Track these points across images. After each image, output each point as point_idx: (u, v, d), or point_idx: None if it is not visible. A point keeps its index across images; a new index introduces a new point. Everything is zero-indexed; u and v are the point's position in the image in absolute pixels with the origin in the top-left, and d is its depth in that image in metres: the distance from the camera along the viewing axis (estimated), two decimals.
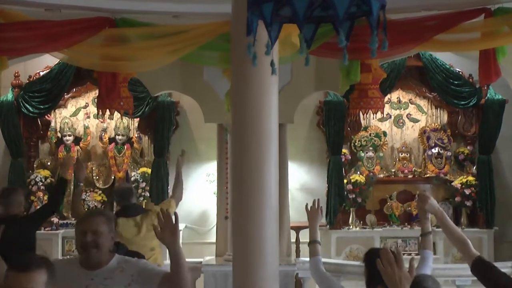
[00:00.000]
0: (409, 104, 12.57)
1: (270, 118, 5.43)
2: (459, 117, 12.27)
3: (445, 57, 11.74)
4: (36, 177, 11.51)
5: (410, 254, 11.74)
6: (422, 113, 12.56)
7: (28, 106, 11.49)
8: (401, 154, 12.45)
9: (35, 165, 11.87)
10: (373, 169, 12.18)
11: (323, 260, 4.91)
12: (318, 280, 4.93)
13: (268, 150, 5.41)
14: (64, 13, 8.37)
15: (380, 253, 2.95)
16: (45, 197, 11.10)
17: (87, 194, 11.63)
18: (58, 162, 11.45)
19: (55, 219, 11.29)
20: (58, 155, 11.84)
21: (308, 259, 5.07)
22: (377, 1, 2.14)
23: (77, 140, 11.98)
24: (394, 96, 12.43)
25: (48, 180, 11.52)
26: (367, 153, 12.22)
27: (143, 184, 11.78)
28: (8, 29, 8.14)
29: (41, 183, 11.44)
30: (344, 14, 2.01)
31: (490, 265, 4.02)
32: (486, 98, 11.91)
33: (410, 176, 12.35)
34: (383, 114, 11.25)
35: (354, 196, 11.84)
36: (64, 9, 8.30)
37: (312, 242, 4.95)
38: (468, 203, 11.93)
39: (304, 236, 11.58)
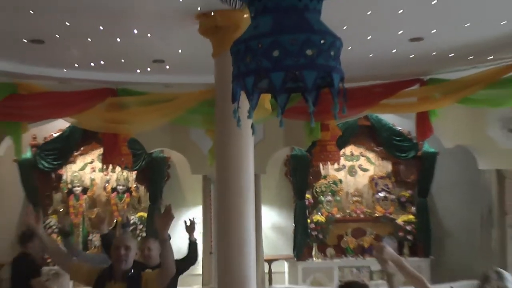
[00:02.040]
0: (360, 156, 12.56)
1: (248, 170, 5.46)
2: (401, 167, 12.30)
3: (389, 118, 11.83)
4: (50, 221, 11.33)
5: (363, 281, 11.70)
6: (371, 164, 12.56)
7: (43, 162, 11.32)
8: (354, 197, 12.41)
9: (49, 212, 11.69)
10: (332, 210, 12.13)
11: (292, 286, 4.83)
12: None
13: (246, 196, 5.44)
14: (75, 85, 8.41)
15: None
16: (59, 239, 10.82)
17: (93, 235, 11.46)
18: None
19: None
20: (68, 202, 11.69)
21: (278, 285, 4.97)
22: (338, 74, 2.20)
23: (84, 190, 11.84)
24: (348, 150, 12.41)
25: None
26: (326, 197, 12.18)
27: (141, 226, 11.67)
28: (29, 99, 8.15)
29: (54, 227, 11.24)
30: (312, 85, 2.06)
31: None
32: (422, 151, 11.98)
33: (362, 216, 12.28)
34: (339, 165, 11.39)
35: (316, 233, 11.76)
36: (75, 82, 8.35)
37: None
38: (410, 237, 11.93)
39: (276, 267, 11.54)
